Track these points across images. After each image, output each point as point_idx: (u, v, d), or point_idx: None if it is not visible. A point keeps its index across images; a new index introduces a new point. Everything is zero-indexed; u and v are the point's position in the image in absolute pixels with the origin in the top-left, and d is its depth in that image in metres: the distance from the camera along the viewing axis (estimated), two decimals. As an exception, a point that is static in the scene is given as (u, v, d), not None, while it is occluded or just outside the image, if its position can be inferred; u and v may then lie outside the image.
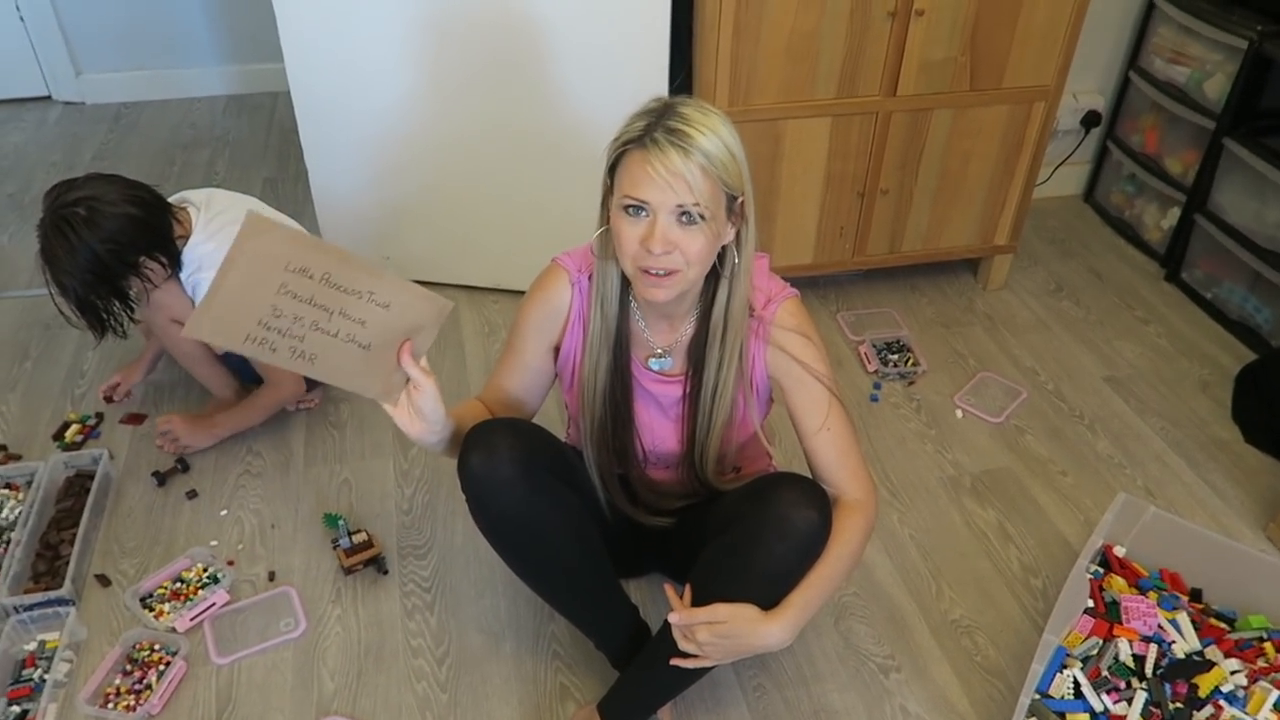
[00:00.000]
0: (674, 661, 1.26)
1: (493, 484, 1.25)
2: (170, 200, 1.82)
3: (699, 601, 1.24)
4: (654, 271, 1.19)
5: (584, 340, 1.36)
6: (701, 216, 1.15)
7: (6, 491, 1.86)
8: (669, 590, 1.29)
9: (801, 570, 1.24)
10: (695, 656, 1.24)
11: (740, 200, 1.20)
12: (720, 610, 1.20)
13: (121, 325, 1.79)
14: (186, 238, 1.79)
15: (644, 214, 1.17)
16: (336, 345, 1.12)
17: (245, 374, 2.04)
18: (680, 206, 1.15)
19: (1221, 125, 2.40)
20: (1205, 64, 2.45)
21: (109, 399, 2.09)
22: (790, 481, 1.28)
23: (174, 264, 1.78)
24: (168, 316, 1.83)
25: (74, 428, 2.03)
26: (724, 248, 1.25)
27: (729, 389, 1.32)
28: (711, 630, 1.20)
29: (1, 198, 2.87)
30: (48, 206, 1.67)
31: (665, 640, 1.28)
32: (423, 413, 1.18)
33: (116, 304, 1.75)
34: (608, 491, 1.47)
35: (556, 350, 1.42)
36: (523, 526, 1.30)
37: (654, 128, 1.14)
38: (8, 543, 1.75)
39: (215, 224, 1.80)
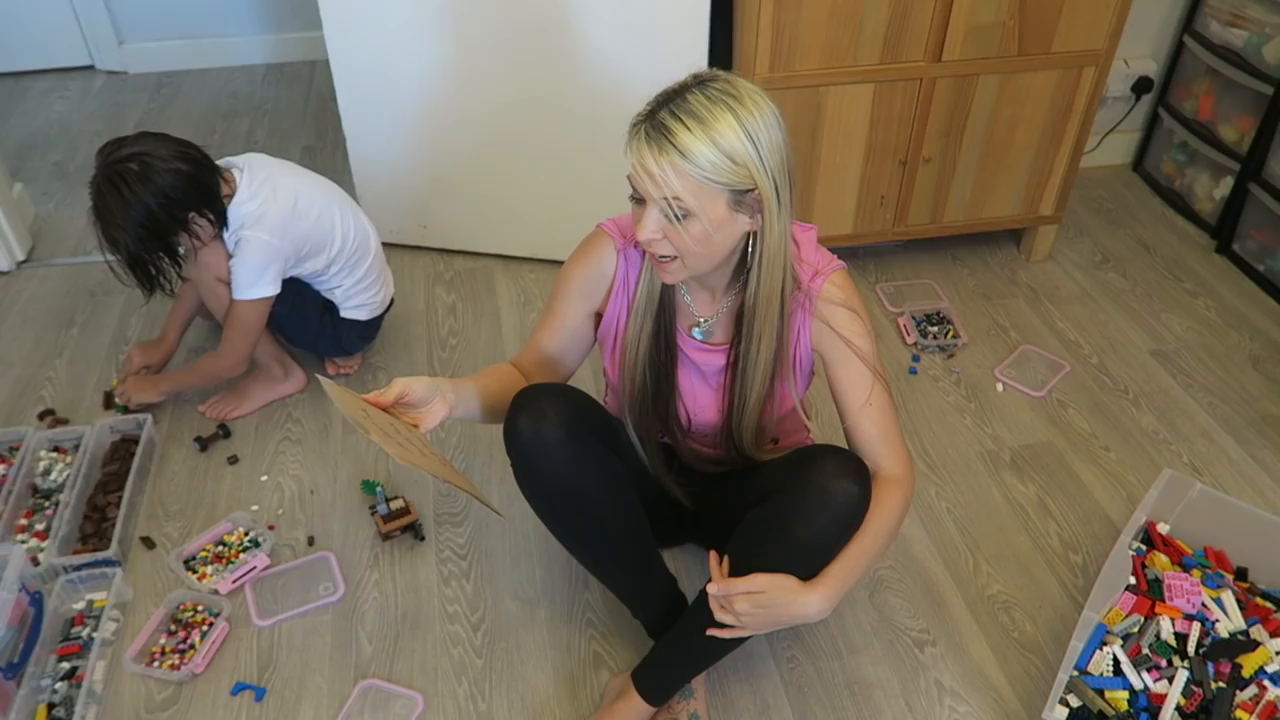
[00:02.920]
0: (710, 632, 1.27)
1: (541, 448, 1.26)
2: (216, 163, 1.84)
3: (736, 571, 1.24)
4: (656, 255, 1.19)
5: (629, 305, 1.36)
6: (681, 214, 1.13)
7: (55, 455, 1.90)
8: (712, 557, 1.29)
9: (841, 542, 1.23)
10: (732, 627, 1.24)
11: (753, 193, 1.15)
12: (759, 580, 1.20)
13: (170, 283, 1.81)
14: (232, 196, 1.81)
15: (641, 200, 1.16)
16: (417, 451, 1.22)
17: (291, 338, 2.06)
18: (664, 200, 1.13)
19: (1281, 91, 2.32)
20: (1265, 26, 2.37)
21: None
22: (830, 453, 1.27)
23: (221, 221, 1.80)
24: (214, 275, 1.85)
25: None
26: (752, 235, 1.21)
27: (770, 362, 1.31)
28: (750, 600, 1.20)
29: (46, 166, 2.91)
30: (100, 163, 1.69)
31: (701, 610, 1.28)
32: (423, 400, 1.23)
33: (166, 260, 1.77)
34: (648, 455, 1.47)
35: (598, 317, 1.41)
36: (569, 491, 1.30)
37: (654, 114, 1.11)
38: (57, 504, 1.79)
39: (257, 183, 1.82)
